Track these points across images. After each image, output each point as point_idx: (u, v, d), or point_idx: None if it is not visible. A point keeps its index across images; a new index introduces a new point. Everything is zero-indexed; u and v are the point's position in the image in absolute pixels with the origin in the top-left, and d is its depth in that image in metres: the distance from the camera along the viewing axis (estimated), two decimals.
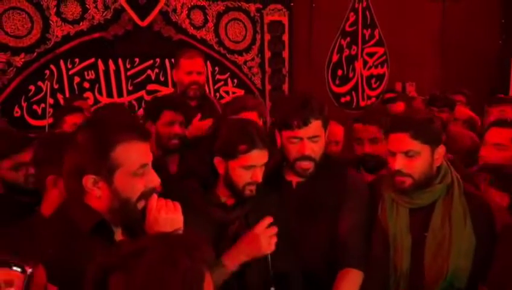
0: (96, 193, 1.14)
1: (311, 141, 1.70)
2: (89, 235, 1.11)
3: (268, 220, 1.54)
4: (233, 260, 1.53)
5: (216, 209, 1.61)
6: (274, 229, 1.54)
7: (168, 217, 1.17)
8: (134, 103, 4.16)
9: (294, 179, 1.80)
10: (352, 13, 5.51)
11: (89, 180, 1.13)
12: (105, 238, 1.14)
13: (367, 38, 5.65)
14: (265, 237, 1.52)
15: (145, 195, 1.17)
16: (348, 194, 1.76)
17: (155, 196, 1.19)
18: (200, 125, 2.66)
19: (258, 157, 1.56)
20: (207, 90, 4.44)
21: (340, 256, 1.72)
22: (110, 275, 0.84)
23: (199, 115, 2.66)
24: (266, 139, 1.60)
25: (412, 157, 1.63)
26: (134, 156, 1.15)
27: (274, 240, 1.54)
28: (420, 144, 1.62)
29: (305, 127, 1.67)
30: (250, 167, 1.56)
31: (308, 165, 1.73)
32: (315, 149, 1.71)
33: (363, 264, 1.70)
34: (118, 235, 1.19)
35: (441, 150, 1.68)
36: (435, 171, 1.68)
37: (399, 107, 3.03)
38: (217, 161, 1.59)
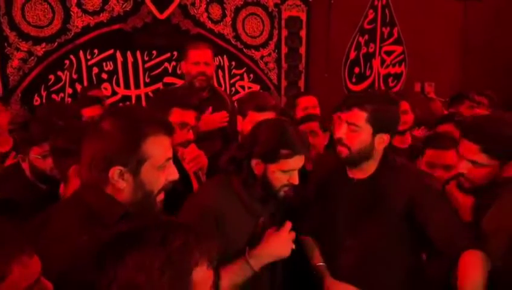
0: (120, 185, 1.11)
1: (348, 125, 1.70)
2: (112, 227, 1.05)
3: (289, 225, 1.58)
4: (257, 261, 1.56)
5: (255, 203, 1.64)
6: (293, 235, 1.59)
7: None
8: (151, 95, 4.20)
9: (356, 176, 1.80)
10: (371, 10, 5.45)
11: (115, 171, 1.10)
12: None
13: (385, 36, 5.60)
14: (287, 241, 1.56)
15: (165, 188, 1.18)
16: (419, 197, 1.67)
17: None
18: (212, 118, 2.68)
19: (298, 162, 1.58)
20: (217, 84, 4.48)
21: (447, 251, 1.61)
22: (107, 252, 0.88)
23: (210, 109, 2.66)
24: (307, 143, 1.61)
25: (478, 167, 1.56)
26: (161, 149, 1.15)
27: (292, 245, 1.58)
28: (489, 159, 1.54)
29: (347, 111, 1.70)
30: (289, 171, 1.57)
31: (342, 149, 1.72)
32: (349, 137, 1.70)
33: (476, 245, 1.54)
34: None
35: None
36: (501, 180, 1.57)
37: (403, 106, 2.93)
38: (255, 162, 1.60)
